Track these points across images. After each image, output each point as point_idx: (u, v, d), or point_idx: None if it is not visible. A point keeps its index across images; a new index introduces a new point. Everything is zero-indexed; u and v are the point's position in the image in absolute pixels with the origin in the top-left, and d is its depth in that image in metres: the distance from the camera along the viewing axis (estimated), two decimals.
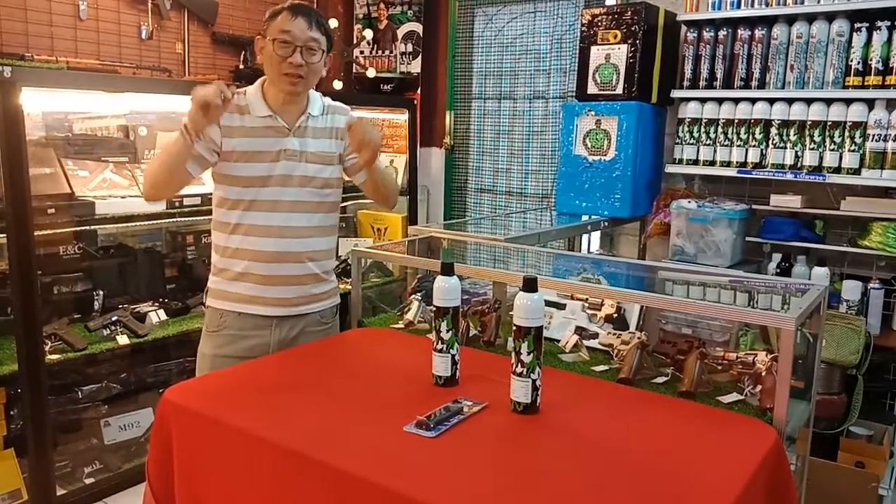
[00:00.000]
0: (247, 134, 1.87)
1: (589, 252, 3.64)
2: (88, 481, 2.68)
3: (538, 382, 1.40)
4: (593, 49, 3.28)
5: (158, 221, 2.89)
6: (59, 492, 2.54)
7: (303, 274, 1.93)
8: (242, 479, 1.35)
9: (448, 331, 1.52)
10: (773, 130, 2.98)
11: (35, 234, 2.40)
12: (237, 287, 1.90)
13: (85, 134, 3.00)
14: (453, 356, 1.54)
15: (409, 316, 2.08)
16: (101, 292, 2.82)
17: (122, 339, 2.69)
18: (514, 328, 1.39)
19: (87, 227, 2.73)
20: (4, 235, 2.35)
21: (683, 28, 3.26)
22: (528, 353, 1.38)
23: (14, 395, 2.53)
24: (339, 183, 2.01)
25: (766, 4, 2.99)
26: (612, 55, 3.23)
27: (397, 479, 1.16)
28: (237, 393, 1.53)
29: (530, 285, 1.38)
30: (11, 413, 2.55)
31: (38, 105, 2.70)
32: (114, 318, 2.71)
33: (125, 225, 2.82)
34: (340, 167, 2.00)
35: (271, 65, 1.85)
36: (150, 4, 3.79)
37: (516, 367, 1.40)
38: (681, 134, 3.20)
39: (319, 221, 1.96)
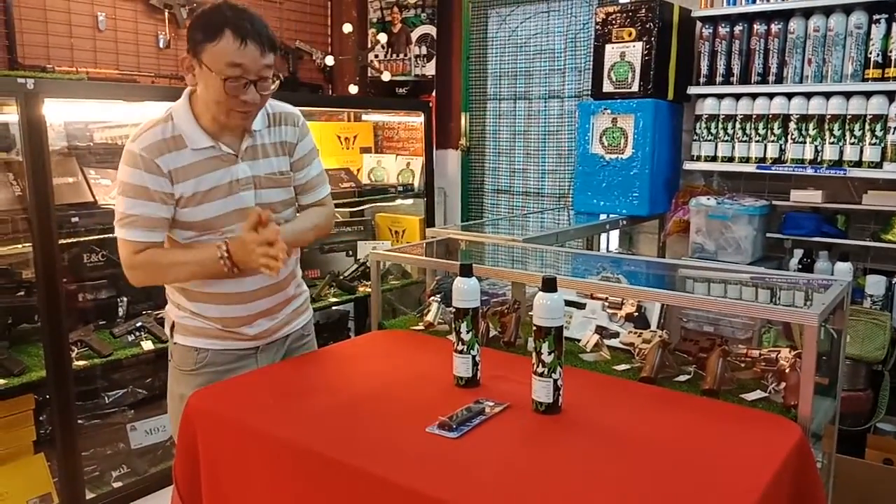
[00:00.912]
0: (190, 174, 1.60)
1: (608, 251, 3.63)
2: (116, 485, 2.71)
3: (559, 382, 1.40)
4: (608, 47, 3.27)
5: None
6: (89, 495, 2.58)
7: (283, 300, 1.79)
8: (267, 481, 1.36)
9: (468, 332, 1.52)
10: (792, 125, 2.95)
11: (59, 242, 2.44)
12: (212, 324, 1.71)
13: (106, 143, 3.04)
14: (474, 357, 1.55)
15: (429, 317, 2.08)
16: (125, 299, 2.86)
17: (147, 345, 2.72)
18: (535, 328, 1.39)
19: (110, 235, 2.75)
20: (30, 244, 2.39)
21: (698, 24, 3.24)
22: (549, 353, 1.38)
23: (43, 401, 2.57)
24: (294, 199, 1.80)
25: None
26: (627, 53, 3.22)
27: (421, 479, 1.17)
28: (260, 396, 1.54)
29: (550, 285, 1.38)
30: (41, 418, 2.60)
31: (60, 115, 2.74)
32: (138, 324, 2.75)
33: None
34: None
35: (217, 101, 1.55)
36: (167, 14, 3.83)
37: (537, 367, 1.40)
38: (698, 130, 3.18)
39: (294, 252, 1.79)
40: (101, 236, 2.72)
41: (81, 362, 2.54)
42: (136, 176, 1.57)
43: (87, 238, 2.67)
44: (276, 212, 1.69)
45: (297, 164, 1.78)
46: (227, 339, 1.73)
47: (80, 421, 2.58)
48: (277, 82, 1.67)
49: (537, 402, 1.41)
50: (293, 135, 1.76)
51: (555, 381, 1.39)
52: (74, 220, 2.55)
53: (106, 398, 2.79)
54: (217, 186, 1.63)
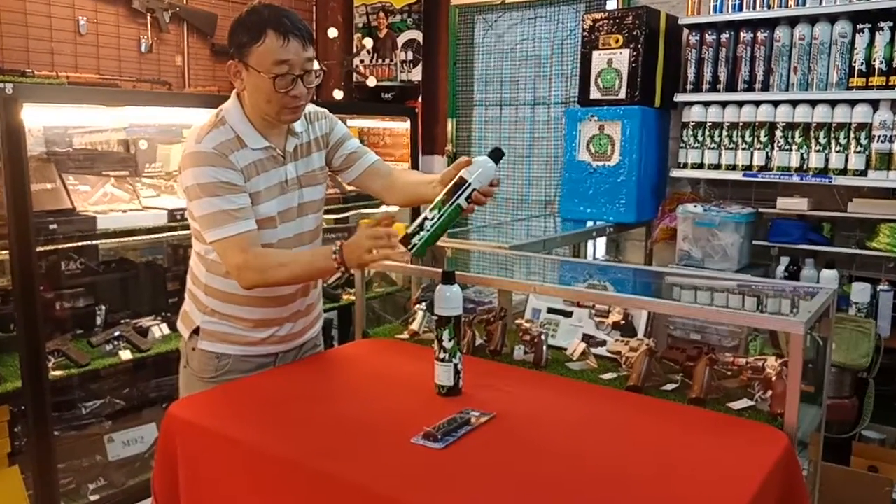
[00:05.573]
0: (252, 172, 1.64)
1: (595, 258, 3.62)
2: (93, 498, 2.65)
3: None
4: (595, 54, 3.27)
5: (160, 235, 2.87)
6: None
7: (312, 302, 1.84)
8: (249, 493, 1.33)
9: (450, 340, 1.51)
10: (778, 133, 2.96)
11: (37, 249, 2.39)
12: (243, 328, 1.72)
13: (85, 148, 2.99)
14: (456, 365, 1.53)
15: (414, 326, 2.06)
16: (104, 307, 2.80)
17: (125, 355, 2.67)
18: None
19: (89, 242, 2.71)
20: (6, 252, 2.34)
21: (685, 31, 3.25)
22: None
23: (18, 412, 2.52)
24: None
25: (768, 7, 2.98)
26: (614, 60, 3.22)
27: (407, 491, 1.15)
28: (243, 407, 1.51)
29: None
30: (16, 430, 2.54)
31: (39, 120, 2.69)
32: (116, 334, 2.69)
33: (126, 239, 2.81)
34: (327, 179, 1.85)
35: (268, 101, 1.60)
36: (149, 18, 3.79)
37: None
38: (685, 138, 3.18)
39: (317, 245, 1.82)
40: (80, 244, 2.67)
41: (58, 372, 2.48)
42: (216, 172, 1.58)
43: (65, 245, 2.62)
44: (314, 211, 1.78)
45: (337, 144, 1.84)
46: (253, 344, 1.74)
47: (56, 432, 2.52)
48: (322, 74, 1.71)
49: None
50: (327, 126, 1.83)
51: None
52: (52, 227, 2.50)
53: (83, 409, 2.73)
54: (272, 186, 1.68)
